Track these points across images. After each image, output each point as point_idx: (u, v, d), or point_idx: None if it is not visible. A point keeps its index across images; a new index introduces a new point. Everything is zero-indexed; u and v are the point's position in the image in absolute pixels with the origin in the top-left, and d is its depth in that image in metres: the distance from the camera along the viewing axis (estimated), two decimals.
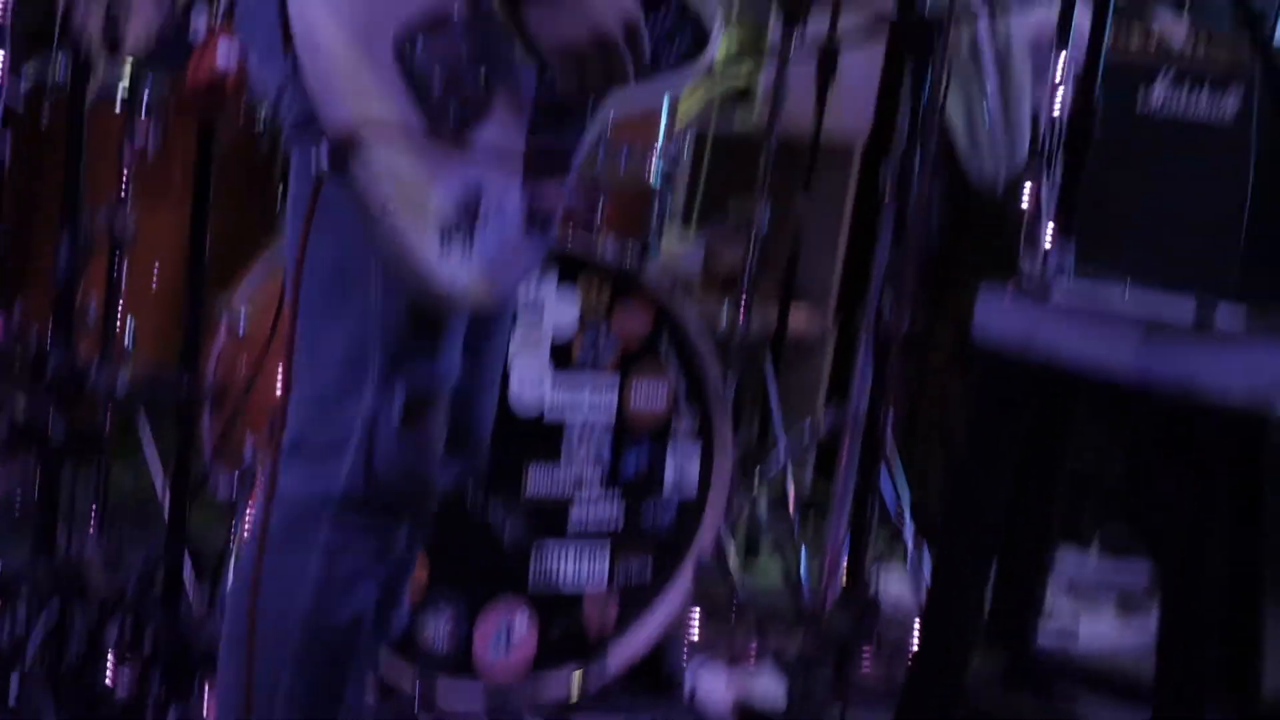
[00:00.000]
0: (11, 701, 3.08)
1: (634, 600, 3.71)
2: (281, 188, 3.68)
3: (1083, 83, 2.89)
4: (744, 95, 5.00)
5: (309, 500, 2.29)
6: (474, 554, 3.50)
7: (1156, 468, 2.51)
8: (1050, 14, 4.28)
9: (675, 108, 3.88)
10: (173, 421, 3.46)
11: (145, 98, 3.44)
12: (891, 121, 4.64)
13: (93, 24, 3.07)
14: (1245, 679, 2.90)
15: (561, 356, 3.59)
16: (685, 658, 3.75)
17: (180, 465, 3.42)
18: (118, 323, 3.48)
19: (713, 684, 3.71)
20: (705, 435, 3.75)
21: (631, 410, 3.67)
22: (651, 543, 3.72)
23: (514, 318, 2.79)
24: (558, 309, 3.59)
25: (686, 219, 4.96)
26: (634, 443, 3.68)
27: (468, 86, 2.16)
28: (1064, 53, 4.04)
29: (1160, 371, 2.30)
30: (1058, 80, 4.06)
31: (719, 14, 2.40)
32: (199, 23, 3.17)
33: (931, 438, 4.82)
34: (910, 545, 3.95)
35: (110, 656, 3.16)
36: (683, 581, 3.74)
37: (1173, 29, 4.75)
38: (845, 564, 3.84)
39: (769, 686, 3.69)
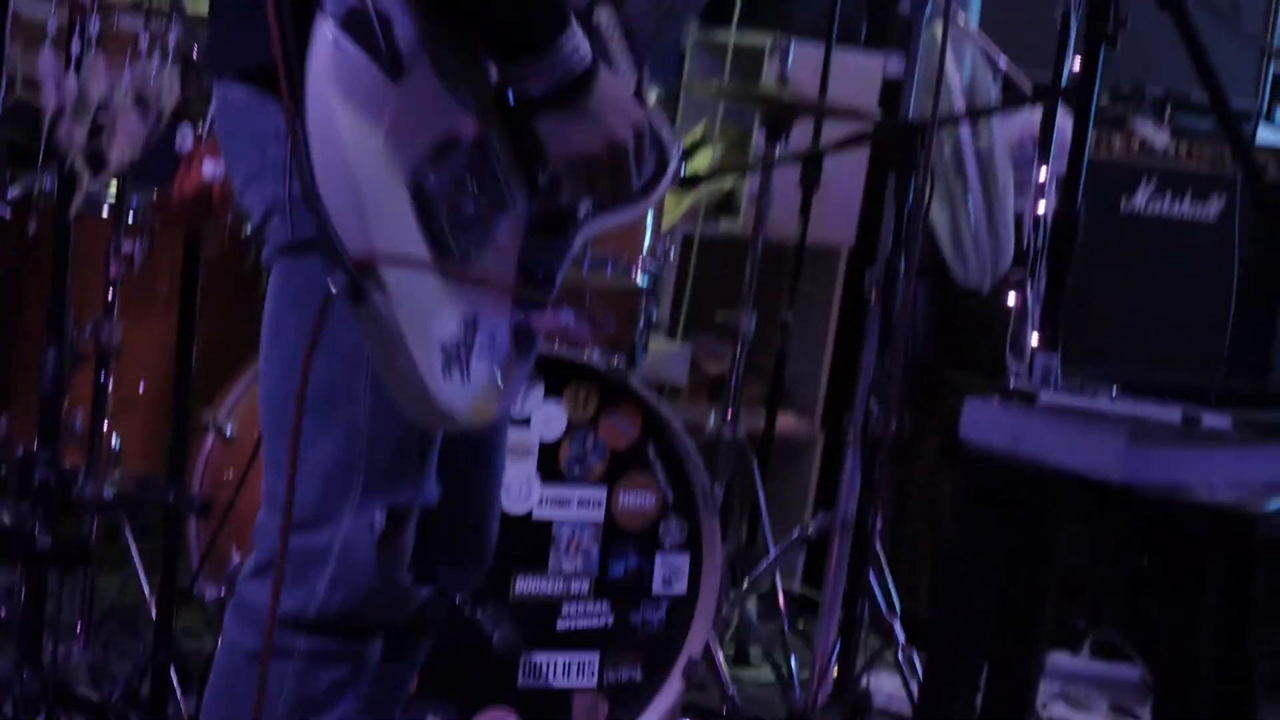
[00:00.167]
0: None
1: (624, 702, 3.69)
2: None
3: (1066, 188, 2.90)
4: (729, 202, 5.02)
5: (284, 615, 2.27)
6: (463, 660, 3.48)
7: (1146, 570, 2.50)
8: (1032, 117, 4.31)
9: (660, 216, 3.90)
10: (159, 530, 3.46)
11: (131, 209, 3.45)
12: (876, 227, 4.67)
13: (77, 141, 3.08)
14: None
15: (549, 464, 3.58)
16: None
17: (167, 574, 3.41)
18: (104, 432, 3.47)
19: None
20: (694, 540, 3.74)
21: (620, 516, 3.66)
22: (641, 644, 3.70)
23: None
24: (545, 417, 3.58)
25: (673, 326, 4.96)
26: (622, 548, 3.67)
27: (472, 218, 2.18)
28: (1047, 158, 4.07)
29: (1147, 474, 2.29)
30: (1041, 185, 4.08)
31: (677, 138, 2.41)
32: (185, 134, 3.19)
33: (920, 541, 4.81)
34: (901, 647, 3.93)
35: None
36: (673, 683, 3.72)
37: (1154, 134, 4.78)
38: (835, 665, 3.82)
39: None
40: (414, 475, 2.30)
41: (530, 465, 3.55)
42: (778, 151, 4.13)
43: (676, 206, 4.82)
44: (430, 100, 2.13)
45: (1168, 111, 4.83)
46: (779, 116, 4.12)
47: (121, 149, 3.08)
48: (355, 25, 2.05)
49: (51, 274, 3.21)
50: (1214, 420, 2.55)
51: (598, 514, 3.64)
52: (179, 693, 3.35)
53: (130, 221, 3.45)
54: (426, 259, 2.10)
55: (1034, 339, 3.68)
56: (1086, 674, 4.68)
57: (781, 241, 4.66)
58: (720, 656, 3.80)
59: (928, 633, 2.72)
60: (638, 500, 3.68)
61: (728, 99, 4.84)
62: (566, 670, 3.62)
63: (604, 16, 2.34)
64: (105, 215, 3.54)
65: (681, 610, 3.74)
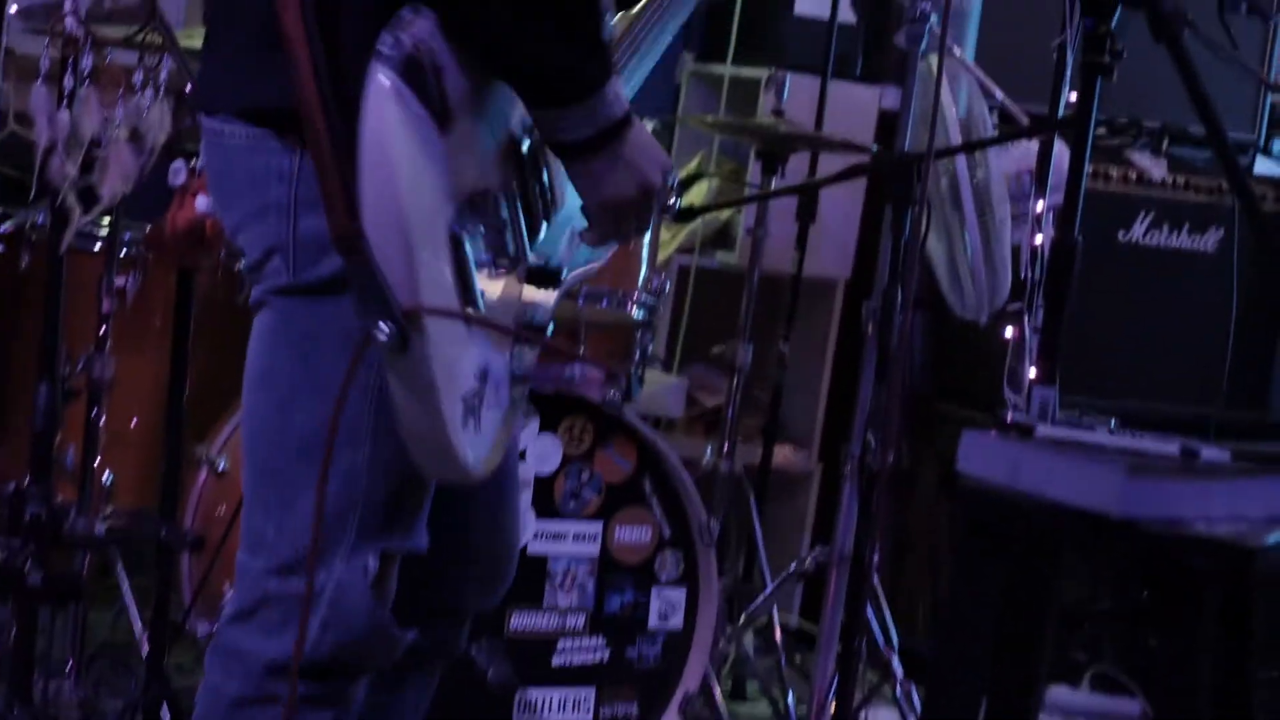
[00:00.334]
0: None
1: None
2: None
3: (1063, 219, 2.90)
4: (725, 234, 5.03)
5: (272, 661, 2.26)
6: (457, 696, 3.47)
7: (1145, 603, 2.50)
8: (1029, 149, 4.32)
9: (656, 249, 3.90)
10: (151, 566, 3.45)
11: (124, 244, 3.45)
12: (873, 259, 4.67)
13: (70, 175, 3.08)
14: None
15: (544, 498, 3.58)
16: None
17: (158, 610, 3.40)
18: (96, 468, 3.47)
19: None
20: (690, 575, 3.74)
21: (615, 550, 3.66)
22: (637, 679, 3.69)
23: None
24: (540, 451, 3.58)
25: (669, 358, 4.96)
26: (618, 583, 3.66)
27: (492, 268, 2.19)
28: (1044, 190, 4.07)
29: (1146, 507, 2.29)
30: (1038, 216, 4.09)
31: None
32: (178, 169, 3.19)
33: (918, 574, 4.80)
34: (899, 682, 3.92)
35: None
36: (670, 719, 3.71)
37: (1152, 166, 4.79)
38: (833, 700, 3.81)
39: None
40: (409, 520, 2.29)
41: (525, 499, 3.54)
42: (774, 184, 4.14)
43: (672, 239, 4.83)
44: (468, 151, 2.14)
45: (1165, 143, 4.83)
46: (775, 149, 4.13)
47: (114, 184, 3.08)
48: (412, 73, 2.05)
49: (44, 308, 3.21)
50: (1212, 453, 2.55)
51: (593, 548, 3.63)
52: None
53: (123, 256, 3.46)
54: (461, 310, 2.10)
55: (1031, 371, 3.69)
56: (1086, 708, 4.67)
57: (778, 274, 4.66)
58: (717, 691, 3.79)
59: (926, 667, 2.72)
60: (633, 534, 3.68)
61: (723, 132, 4.84)
62: (562, 706, 3.62)
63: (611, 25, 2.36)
64: (98, 250, 3.55)
65: (678, 645, 3.73)
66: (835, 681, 3.80)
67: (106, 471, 3.60)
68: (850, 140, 4.20)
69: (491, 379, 2.19)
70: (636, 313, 3.76)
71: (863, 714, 3.82)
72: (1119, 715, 4.64)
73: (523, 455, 3.55)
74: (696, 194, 4.85)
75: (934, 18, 3.69)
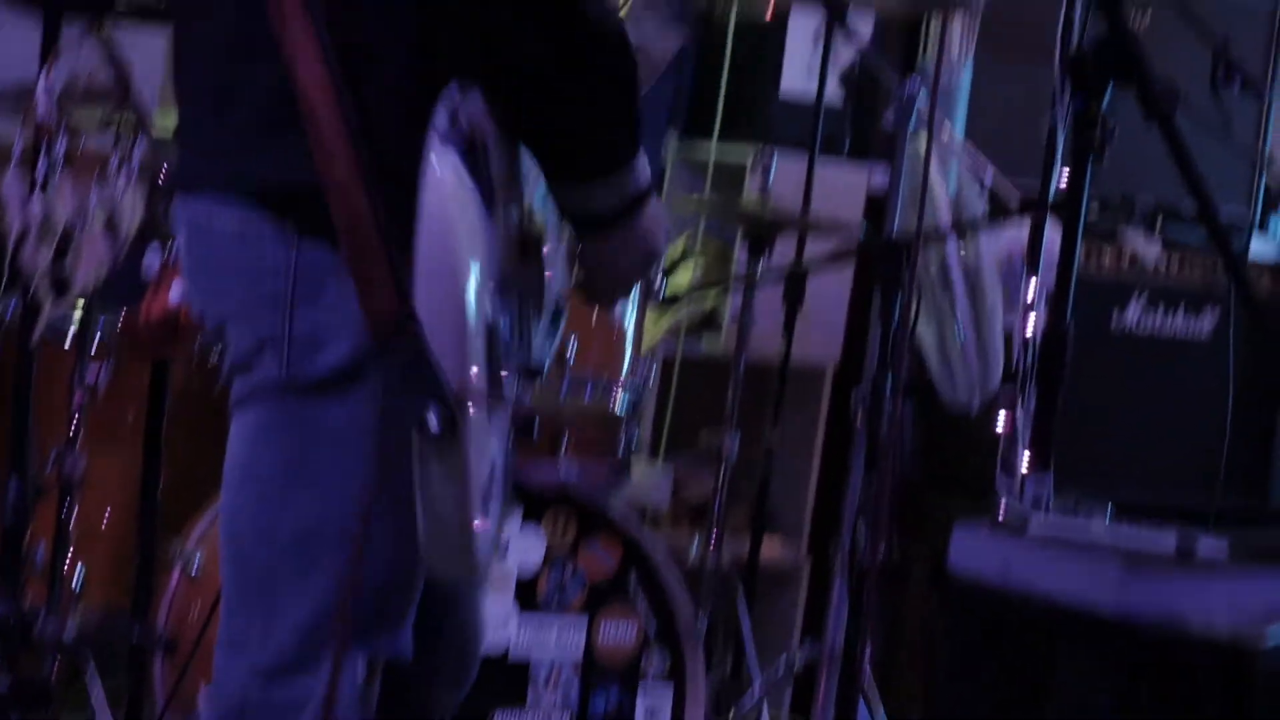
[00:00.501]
0: None
1: None
2: None
3: (1055, 304, 2.92)
4: (710, 320, 5.04)
5: None
6: None
7: (1144, 702, 2.50)
8: (1020, 231, 4.34)
9: (640, 336, 3.91)
10: (123, 670, 3.44)
11: (96, 335, 3.46)
12: (862, 345, 4.68)
13: (41, 264, 3.09)
14: None
15: (527, 595, 3.58)
16: None
17: (131, 713, 3.39)
18: (66, 566, 3.46)
19: None
20: (677, 673, 3.73)
21: (600, 649, 3.66)
22: None
23: None
24: (523, 545, 3.58)
25: (654, 448, 4.97)
26: (603, 683, 3.66)
27: (514, 352, 2.20)
28: (1035, 273, 4.09)
29: (1143, 604, 2.30)
30: (1030, 301, 4.10)
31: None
32: (152, 258, 3.20)
33: (911, 671, 4.80)
34: None
35: None
36: None
37: (1145, 247, 4.82)
38: None
39: None
40: (396, 624, 2.28)
41: (508, 595, 3.54)
42: (760, 268, 4.15)
43: (656, 325, 4.84)
44: (502, 233, 2.16)
45: (1158, 223, 4.86)
46: (761, 232, 4.15)
47: (87, 273, 3.09)
48: (467, 151, 2.06)
49: (13, 402, 3.21)
50: (1209, 546, 2.56)
51: (578, 646, 3.63)
52: None
53: (95, 347, 3.46)
54: (493, 397, 2.10)
55: (1025, 460, 3.70)
56: None
57: (764, 360, 4.67)
58: None
59: None
60: (619, 631, 3.67)
61: (709, 214, 4.86)
62: None
63: None
64: (69, 341, 3.54)
65: None
66: None
67: (78, 569, 3.59)
68: (838, 222, 4.22)
69: (497, 470, 2.19)
70: (621, 401, 3.77)
71: None
72: None
73: (504, 550, 3.55)
74: (682, 276, 4.87)
75: (922, 96, 3.72)
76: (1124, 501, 4.39)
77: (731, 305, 4.80)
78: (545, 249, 2.29)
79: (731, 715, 4.18)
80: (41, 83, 3.08)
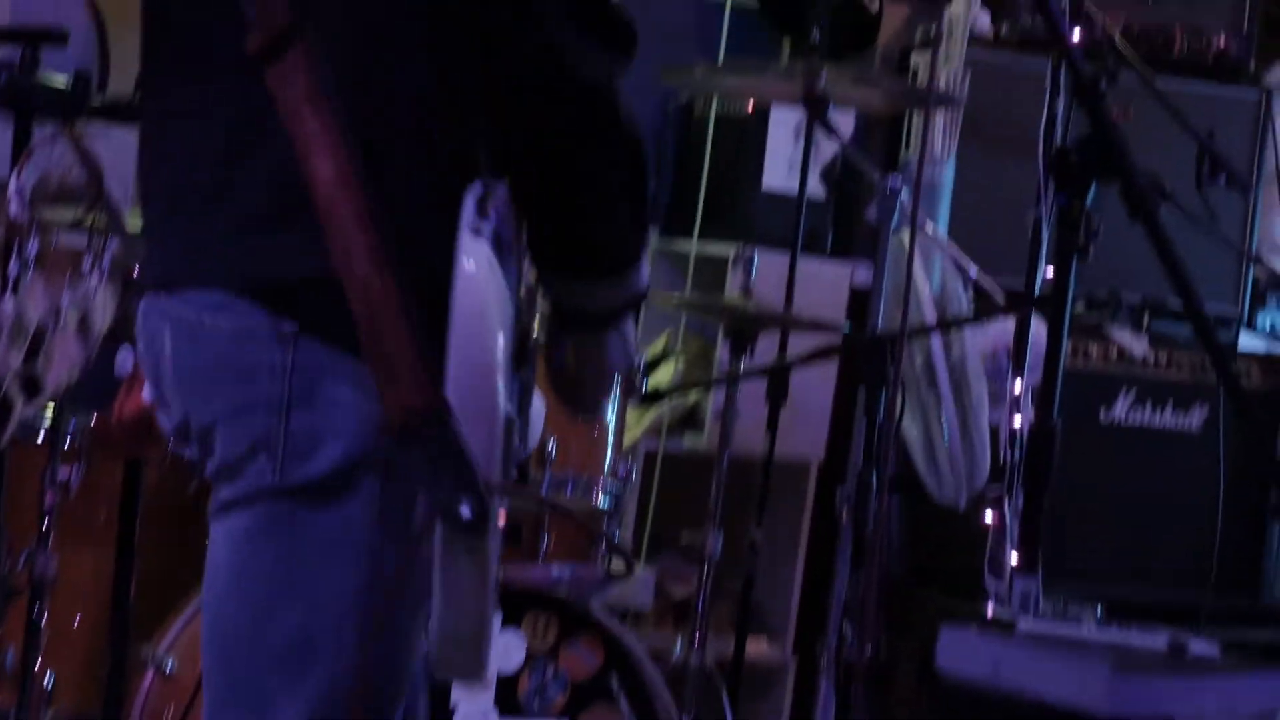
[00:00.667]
0: None
1: None
2: None
3: (1042, 399, 2.93)
4: (692, 417, 5.04)
5: None
6: None
7: None
8: (1006, 326, 4.35)
9: (621, 433, 3.91)
10: None
11: (68, 434, 3.45)
12: (846, 442, 4.68)
13: (13, 365, 3.08)
14: None
15: (507, 698, 3.56)
16: None
17: None
18: (36, 670, 3.44)
19: None
20: None
21: None
22: None
23: None
24: (503, 647, 3.57)
25: (636, 547, 4.96)
26: None
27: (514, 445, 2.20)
28: (1021, 369, 4.10)
29: (1134, 705, 2.30)
30: (1016, 396, 4.11)
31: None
32: (125, 357, 3.20)
33: None
34: None
35: None
36: None
37: (1132, 342, 4.83)
38: None
39: None
40: None
41: (488, 698, 3.53)
42: (742, 365, 4.16)
43: (638, 423, 4.84)
44: (515, 329, 2.16)
45: (1145, 318, 4.88)
46: (743, 328, 4.15)
47: (59, 373, 3.08)
48: (497, 244, 2.07)
49: None
50: (1201, 646, 2.56)
51: None
52: None
53: (67, 447, 3.45)
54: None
55: (1013, 557, 3.69)
56: None
57: (748, 457, 4.66)
58: None
59: None
60: None
61: (690, 311, 4.88)
62: None
63: None
64: (41, 440, 3.54)
65: None
66: None
67: (48, 673, 3.57)
68: (821, 319, 4.23)
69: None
70: (602, 500, 3.77)
71: None
72: None
73: None
74: (663, 375, 4.87)
75: (905, 192, 3.74)
76: (1114, 599, 4.39)
77: (714, 402, 4.80)
78: (531, 343, 2.30)
79: None
80: (13, 182, 3.09)
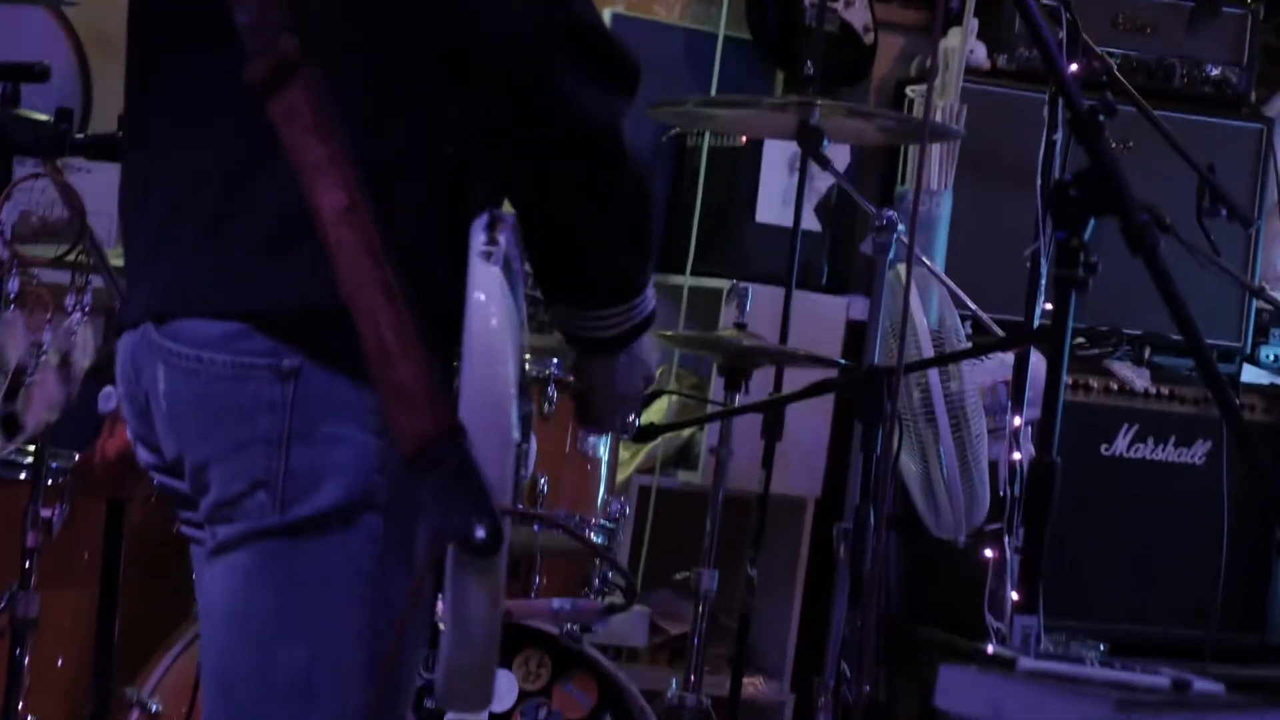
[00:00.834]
0: None
1: None
2: None
3: (1042, 437, 2.91)
4: (686, 453, 5.03)
5: None
6: None
7: None
8: (1004, 359, 4.34)
9: (615, 470, 3.90)
10: None
11: (50, 474, 3.44)
12: (843, 477, 4.66)
13: None
14: None
15: None
16: None
17: None
18: (19, 712, 3.43)
19: None
20: None
21: None
22: None
23: None
24: (494, 687, 3.55)
25: (630, 585, 4.94)
26: None
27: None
28: (1021, 404, 4.09)
29: None
30: (1016, 431, 4.10)
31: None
32: (108, 395, 3.18)
33: None
34: None
35: None
36: None
37: (1134, 376, 4.83)
38: None
39: None
40: None
41: None
42: (737, 400, 4.15)
43: (631, 459, 4.83)
44: (521, 358, 2.18)
45: (1147, 352, 4.87)
46: (738, 364, 4.15)
47: (39, 412, 3.07)
48: (506, 273, 2.07)
49: None
50: (1205, 685, 2.54)
51: None
52: None
53: (49, 486, 3.44)
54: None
55: (1013, 595, 3.67)
56: None
57: (743, 494, 4.65)
58: None
59: None
60: None
61: (684, 346, 4.86)
62: None
63: None
64: (22, 479, 3.53)
65: None
66: None
67: (29, 717, 3.56)
68: (817, 353, 4.22)
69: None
70: (595, 537, 3.75)
71: None
72: None
73: None
74: (656, 411, 4.86)
75: (901, 225, 3.73)
76: (1117, 637, 4.38)
77: (708, 438, 4.79)
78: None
79: None
80: None
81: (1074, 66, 3.94)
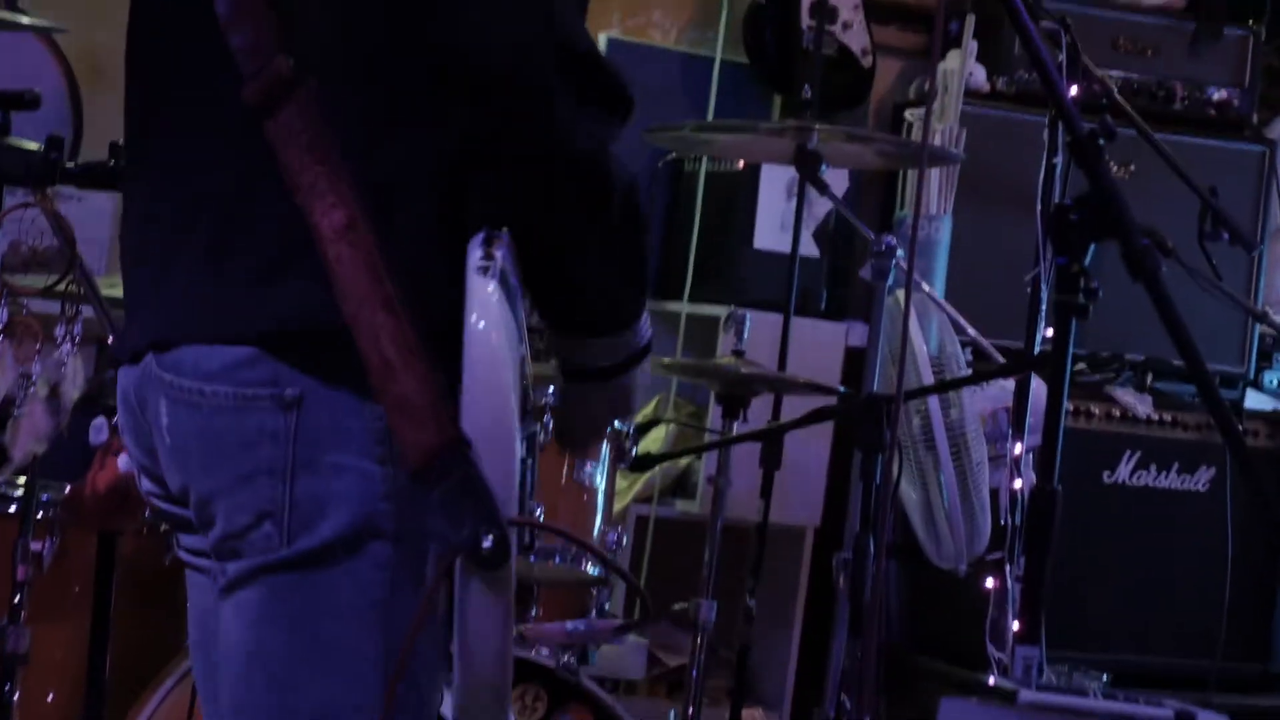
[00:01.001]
0: None
1: None
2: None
3: (1043, 465, 2.91)
4: (684, 482, 5.03)
5: None
6: None
7: None
8: (1005, 386, 4.34)
9: (611, 499, 3.89)
10: None
11: (40, 506, 3.43)
12: (843, 506, 4.66)
13: None
14: None
15: None
16: None
17: None
18: None
19: None
20: None
21: None
22: None
23: None
24: None
25: (628, 615, 4.94)
26: None
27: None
28: (1022, 431, 4.09)
29: None
30: (1017, 458, 4.10)
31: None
32: (99, 426, 3.18)
33: None
34: None
35: None
36: None
37: (1136, 403, 4.83)
38: None
39: None
40: None
41: None
42: (735, 428, 4.15)
43: (629, 488, 4.83)
44: (523, 374, 2.18)
45: (1149, 378, 4.87)
46: (736, 391, 4.14)
47: (27, 444, 3.07)
48: (504, 288, 2.07)
49: None
50: (1209, 717, 2.54)
51: None
52: None
53: (39, 519, 3.43)
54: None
55: (1015, 625, 3.67)
56: None
57: (742, 523, 4.65)
58: None
59: None
60: None
61: (681, 374, 4.86)
62: None
63: None
64: (12, 512, 3.52)
65: None
66: None
67: None
68: (815, 381, 4.22)
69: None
70: (592, 568, 3.74)
71: None
72: None
73: None
74: (654, 440, 4.86)
75: (900, 250, 3.73)
76: (1119, 667, 4.37)
77: (706, 467, 4.79)
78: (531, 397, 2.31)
79: None
80: None
81: (1074, 89, 3.96)
